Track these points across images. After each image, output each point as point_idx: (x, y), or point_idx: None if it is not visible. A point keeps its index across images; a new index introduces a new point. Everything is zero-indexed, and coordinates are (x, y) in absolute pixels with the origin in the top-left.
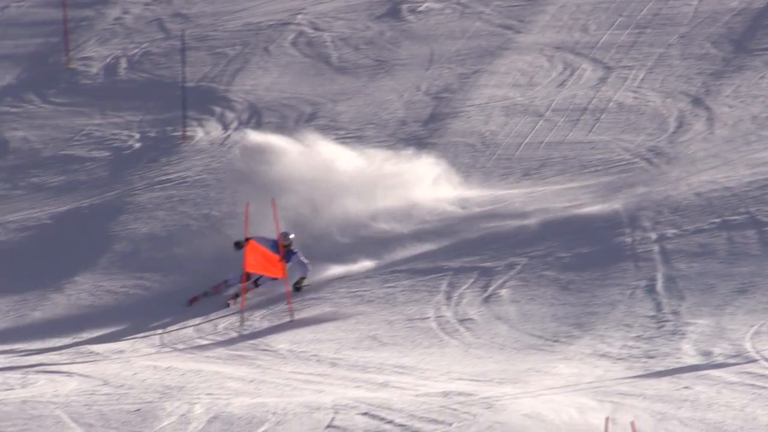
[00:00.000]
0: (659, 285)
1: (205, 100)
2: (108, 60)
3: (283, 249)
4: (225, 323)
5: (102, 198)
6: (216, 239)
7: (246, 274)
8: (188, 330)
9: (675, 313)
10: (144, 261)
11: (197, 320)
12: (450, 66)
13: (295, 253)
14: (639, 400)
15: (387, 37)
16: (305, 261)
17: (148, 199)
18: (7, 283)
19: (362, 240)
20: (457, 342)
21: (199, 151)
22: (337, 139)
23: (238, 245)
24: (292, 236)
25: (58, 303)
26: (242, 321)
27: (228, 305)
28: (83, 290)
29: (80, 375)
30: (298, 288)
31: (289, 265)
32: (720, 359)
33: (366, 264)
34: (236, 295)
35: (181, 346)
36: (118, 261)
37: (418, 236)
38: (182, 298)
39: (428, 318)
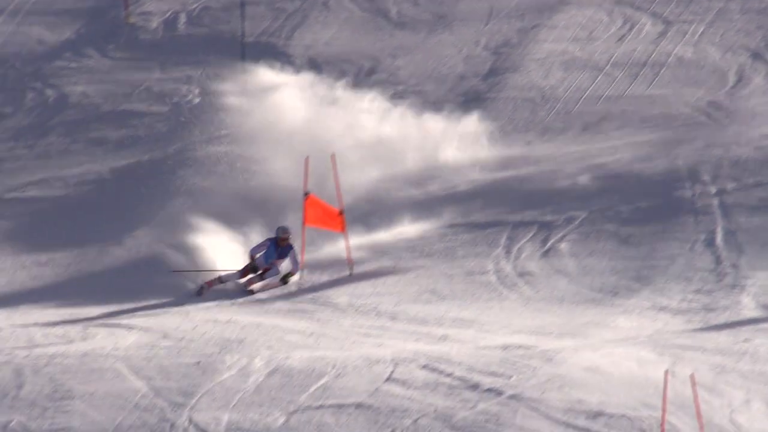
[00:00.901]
0: (719, 239)
1: (264, 55)
2: (167, 15)
3: (282, 243)
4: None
5: (161, 152)
6: (275, 193)
7: (247, 268)
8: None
9: (734, 266)
10: (203, 215)
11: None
12: (509, 20)
13: (292, 248)
14: (698, 353)
15: None
16: (298, 259)
17: (208, 153)
18: (68, 237)
19: (419, 197)
20: (517, 295)
21: (259, 105)
22: (395, 94)
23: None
24: (288, 234)
25: (118, 257)
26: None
27: (252, 292)
28: (142, 244)
29: (140, 328)
30: (285, 281)
31: (285, 260)
32: None
33: (423, 222)
34: (252, 280)
35: (240, 300)
36: (178, 215)
37: (474, 193)
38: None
39: (488, 272)
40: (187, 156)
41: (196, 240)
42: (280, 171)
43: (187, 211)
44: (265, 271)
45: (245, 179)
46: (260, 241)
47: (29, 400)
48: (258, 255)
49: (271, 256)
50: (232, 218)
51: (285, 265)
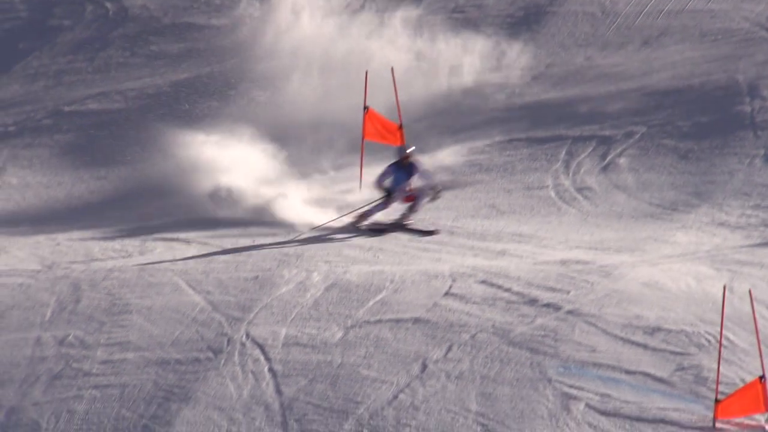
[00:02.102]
0: None
1: None
2: None
3: (406, 162)
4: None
5: (221, 66)
6: (335, 105)
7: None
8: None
9: None
10: (263, 128)
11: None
12: None
13: (416, 164)
14: (756, 268)
15: None
16: (428, 172)
17: (267, 67)
18: (127, 152)
19: (479, 112)
20: (575, 210)
21: (324, 21)
22: (456, 8)
23: (387, 193)
24: (410, 150)
25: (177, 171)
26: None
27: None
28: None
29: (198, 242)
30: (437, 195)
31: (416, 177)
32: None
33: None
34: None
35: (306, 212)
36: (241, 127)
37: (534, 108)
38: (301, 167)
39: (546, 186)
40: (247, 69)
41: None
42: (341, 84)
43: (249, 123)
44: (411, 199)
45: (304, 93)
46: (383, 170)
47: (86, 315)
48: (385, 183)
49: (402, 179)
50: (291, 132)
51: (416, 182)
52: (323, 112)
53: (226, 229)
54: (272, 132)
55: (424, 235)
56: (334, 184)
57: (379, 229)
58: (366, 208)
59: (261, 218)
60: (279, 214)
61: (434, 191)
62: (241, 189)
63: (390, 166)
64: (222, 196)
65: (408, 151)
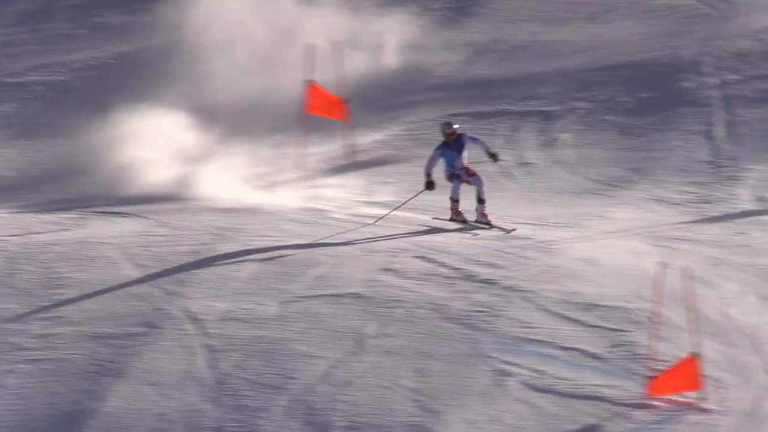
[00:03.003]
0: (718, 131)
1: None
2: None
3: (452, 138)
4: (284, 165)
5: (164, 39)
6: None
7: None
8: (249, 170)
9: (733, 158)
10: (200, 102)
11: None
12: None
13: (462, 135)
14: (693, 245)
15: None
16: (475, 136)
17: (211, 40)
18: (69, 124)
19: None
20: (516, 186)
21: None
22: None
23: (430, 185)
24: (456, 126)
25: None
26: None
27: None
28: None
29: (136, 216)
30: (495, 158)
31: (467, 148)
32: None
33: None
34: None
35: (240, 186)
36: (182, 99)
37: (476, 83)
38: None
39: (488, 161)
40: (192, 42)
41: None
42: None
43: (192, 96)
44: (471, 175)
45: (245, 65)
46: (430, 156)
47: (22, 288)
48: (434, 170)
49: (454, 157)
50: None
51: (467, 155)
52: (262, 86)
53: (164, 203)
54: (209, 106)
55: (506, 232)
56: (269, 161)
57: (462, 221)
58: (409, 200)
59: (181, 193)
60: (200, 190)
61: (493, 156)
62: (163, 163)
63: (436, 149)
64: (137, 171)
65: (454, 126)
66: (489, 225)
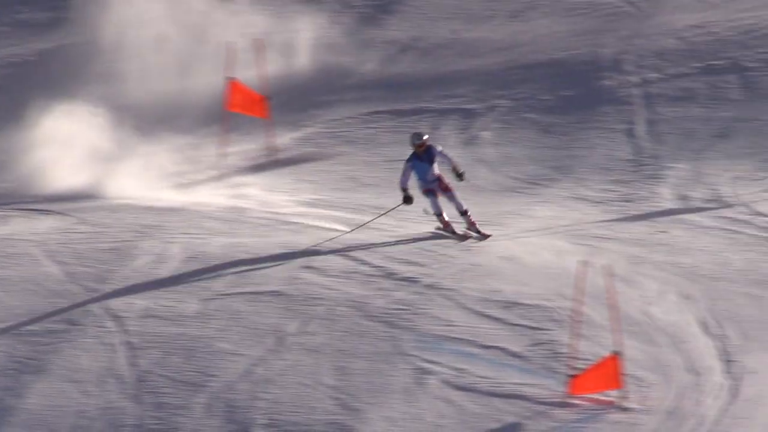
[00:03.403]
0: (639, 129)
1: None
2: None
3: (422, 150)
4: (205, 162)
5: (86, 36)
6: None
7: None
8: (169, 167)
9: (654, 157)
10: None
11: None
12: None
13: (432, 147)
14: (615, 243)
15: None
16: (445, 152)
17: (132, 38)
18: None
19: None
20: None
21: None
22: None
23: (407, 200)
24: (426, 137)
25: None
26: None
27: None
28: None
29: (57, 213)
30: (460, 178)
31: (438, 161)
32: (697, 203)
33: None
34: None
35: (161, 183)
36: (102, 98)
37: (397, 80)
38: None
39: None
40: (114, 40)
41: None
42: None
43: (112, 95)
44: (445, 190)
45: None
46: (402, 170)
47: None
48: (408, 184)
49: (425, 169)
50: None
51: (438, 166)
52: (183, 84)
53: (85, 201)
54: (130, 104)
55: (482, 238)
56: (190, 159)
57: (452, 232)
58: (377, 217)
59: (100, 192)
60: (120, 188)
61: (459, 175)
62: (82, 162)
63: (407, 161)
64: (56, 169)
65: (424, 138)
66: (479, 233)
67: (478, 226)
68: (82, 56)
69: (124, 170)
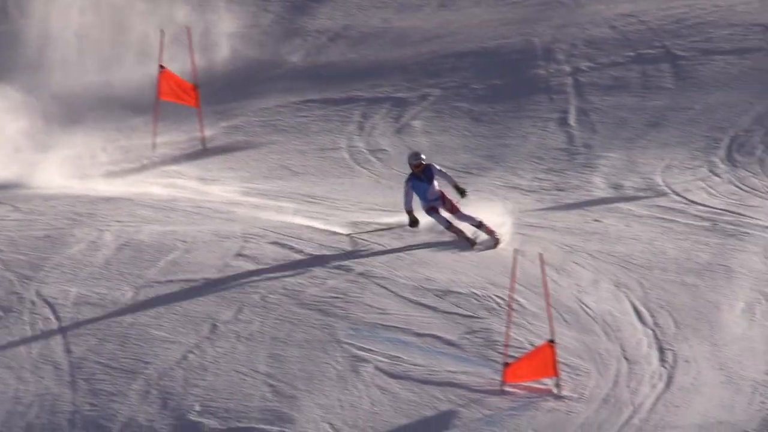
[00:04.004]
0: (572, 118)
1: None
2: None
3: (420, 169)
4: (136, 152)
5: (16, 25)
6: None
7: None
8: (100, 156)
9: (587, 146)
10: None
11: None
12: None
13: (431, 165)
14: (548, 232)
15: None
16: (443, 170)
17: (59, 28)
18: None
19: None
20: (368, 172)
21: None
22: None
23: (414, 223)
24: (423, 156)
25: None
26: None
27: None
28: None
29: None
30: (463, 195)
31: (437, 180)
32: (630, 192)
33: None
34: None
35: (92, 172)
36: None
37: (329, 68)
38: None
39: (340, 148)
40: (40, 30)
41: None
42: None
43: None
44: (453, 212)
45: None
46: (404, 192)
47: None
48: (412, 204)
49: (425, 188)
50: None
51: (438, 183)
52: (112, 73)
53: (18, 188)
54: (58, 94)
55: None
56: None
57: (465, 238)
58: (378, 230)
59: (29, 182)
60: (48, 177)
61: (461, 191)
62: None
63: (406, 183)
64: None
65: (421, 157)
66: (493, 235)
67: (493, 229)
68: (10, 45)
69: (55, 159)
